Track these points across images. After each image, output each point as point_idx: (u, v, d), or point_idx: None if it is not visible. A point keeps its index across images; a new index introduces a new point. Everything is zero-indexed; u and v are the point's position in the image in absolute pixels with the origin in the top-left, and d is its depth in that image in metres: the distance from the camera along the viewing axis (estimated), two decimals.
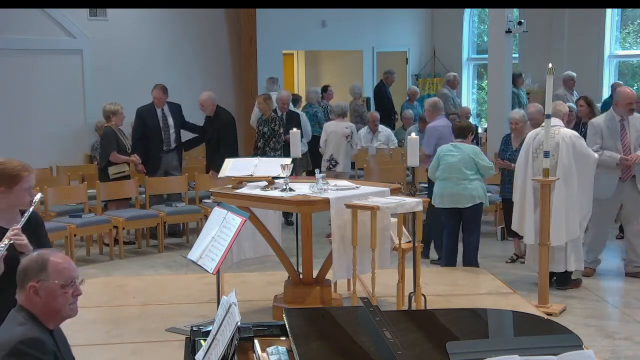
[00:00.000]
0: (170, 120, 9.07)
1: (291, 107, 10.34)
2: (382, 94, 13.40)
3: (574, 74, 11.31)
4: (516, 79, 11.87)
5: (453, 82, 12.83)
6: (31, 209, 3.59)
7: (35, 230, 3.64)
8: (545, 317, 4.77)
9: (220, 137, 8.91)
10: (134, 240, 8.79)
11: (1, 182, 3.52)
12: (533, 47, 12.58)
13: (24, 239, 3.47)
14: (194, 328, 3.19)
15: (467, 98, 14.74)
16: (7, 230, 3.50)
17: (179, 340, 4.60)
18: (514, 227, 6.99)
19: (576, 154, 6.52)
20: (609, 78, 12.44)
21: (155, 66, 11.19)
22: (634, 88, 12.85)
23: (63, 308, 2.81)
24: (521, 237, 7.26)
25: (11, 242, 3.44)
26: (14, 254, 3.43)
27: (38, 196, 3.64)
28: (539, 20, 12.08)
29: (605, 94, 12.34)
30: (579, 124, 8.16)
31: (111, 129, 8.67)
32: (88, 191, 8.58)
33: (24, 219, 3.54)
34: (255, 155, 8.74)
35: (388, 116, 13.00)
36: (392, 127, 12.35)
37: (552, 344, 2.49)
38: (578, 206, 6.55)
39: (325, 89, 12.36)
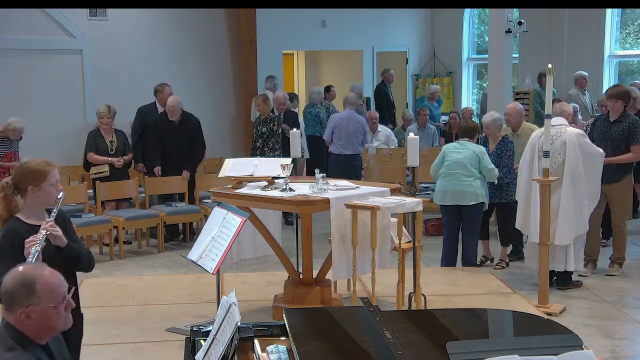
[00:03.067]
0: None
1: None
2: (382, 93, 13.39)
3: (586, 74, 11.22)
4: (542, 78, 11.30)
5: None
6: (59, 205, 3.62)
7: (64, 227, 3.66)
8: (545, 317, 4.78)
9: (193, 138, 8.78)
10: (132, 240, 8.81)
11: (29, 181, 3.54)
12: (533, 47, 12.57)
13: (59, 231, 3.51)
14: (194, 328, 3.19)
15: (468, 98, 14.74)
16: (36, 227, 3.51)
17: (179, 340, 4.60)
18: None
19: (583, 152, 6.53)
20: (609, 78, 12.44)
21: (155, 66, 11.18)
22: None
23: (57, 325, 2.64)
24: (487, 239, 7.71)
25: (48, 232, 3.45)
26: (49, 247, 3.46)
27: (61, 194, 3.67)
28: (539, 20, 12.06)
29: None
30: None
31: (94, 130, 8.83)
32: (88, 191, 8.60)
33: (55, 211, 3.58)
34: (253, 155, 8.72)
35: (389, 117, 12.99)
36: (394, 127, 12.35)
37: (552, 344, 2.49)
38: (586, 205, 6.57)
39: (328, 89, 12.36)
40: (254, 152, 9.13)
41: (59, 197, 3.63)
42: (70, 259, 3.59)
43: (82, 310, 3.81)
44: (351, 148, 9.37)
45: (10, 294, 2.58)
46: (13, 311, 2.57)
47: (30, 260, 3.30)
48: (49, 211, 3.61)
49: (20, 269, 2.64)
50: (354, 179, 9.07)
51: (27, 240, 3.40)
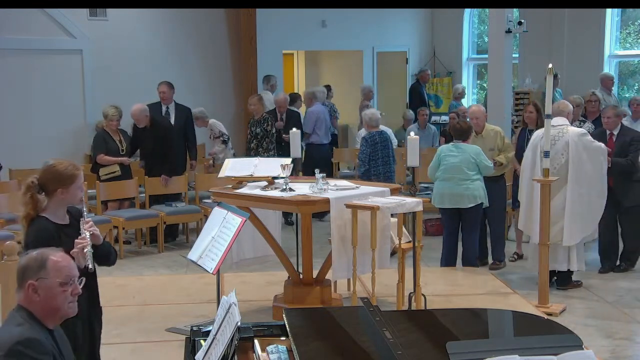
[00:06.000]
0: (172, 120, 9.08)
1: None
2: (417, 93, 13.36)
3: (612, 74, 11.08)
4: (555, 78, 10.94)
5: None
6: (85, 204, 3.77)
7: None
8: (545, 317, 4.77)
9: (164, 142, 8.66)
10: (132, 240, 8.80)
11: (58, 184, 3.64)
12: (533, 47, 12.56)
13: (97, 229, 3.68)
14: (194, 328, 3.20)
15: (468, 98, 14.72)
16: (62, 226, 3.65)
17: (179, 340, 4.60)
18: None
19: (587, 151, 6.54)
20: None
21: (155, 66, 11.18)
22: (635, 88, 12.87)
23: (62, 307, 2.81)
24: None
25: (91, 233, 3.59)
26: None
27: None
28: (539, 20, 12.04)
29: None
30: (525, 131, 7.80)
31: (101, 132, 8.79)
32: (88, 191, 8.59)
33: (85, 211, 3.73)
34: (247, 156, 8.69)
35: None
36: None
37: (552, 344, 2.49)
38: (592, 204, 6.57)
39: (329, 88, 12.35)
40: (248, 152, 9.10)
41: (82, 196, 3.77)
42: (103, 256, 3.76)
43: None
44: (327, 137, 10.43)
45: (24, 268, 2.80)
46: (23, 286, 2.77)
47: (88, 262, 3.46)
48: (69, 210, 3.73)
49: (37, 250, 2.88)
50: (327, 167, 9.53)
51: (76, 240, 3.52)
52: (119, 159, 8.62)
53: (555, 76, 11.42)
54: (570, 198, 6.48)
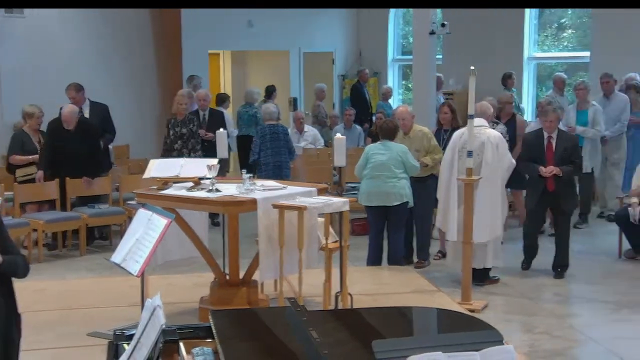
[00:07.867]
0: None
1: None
2: (359, 93, 13.43)
3: (565, 76, 11.01)
4: (506, 79, 11.49)
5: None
6: None
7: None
8: (468, 313, 4.87)
9: (91, 144, 8.47)
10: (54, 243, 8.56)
11: None
12: (456, 48, 12.82)
13: None
14: (117, 332, 3.12)
15: (394, 98, 14.92)
16: None
17: (101, 345, 4.49)
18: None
19: (499, 154, 6.71)
20: (528, 79, 12.81)
21: (77, 66, 10.90)
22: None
23: None
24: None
25: None
26: None
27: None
28: (461, 22, 12.31)
29: (525, 94, 12.70)
30: (440, 131, 7.94)
31: (20, 132, 8.55)
32: (5, 193, 8.31)
33: None
34: (170, 157, 8.49)
35: (365, 116, 12.96)
36: (369, 128, 12.33)
37: (474, 340, 2.53)
38: (500, 206, 6.74)
39: (274, 89, 12.22)
40: (166, 153, 8.83)
41: None
42: (7, 274, 3.54)
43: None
44: None
45: None
46: None
47: None
48: None
49: None
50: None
51: None
52: (32, 157, 8.39)
53: (509, 76, 11.61)
54: (481, 197, 6.61)
